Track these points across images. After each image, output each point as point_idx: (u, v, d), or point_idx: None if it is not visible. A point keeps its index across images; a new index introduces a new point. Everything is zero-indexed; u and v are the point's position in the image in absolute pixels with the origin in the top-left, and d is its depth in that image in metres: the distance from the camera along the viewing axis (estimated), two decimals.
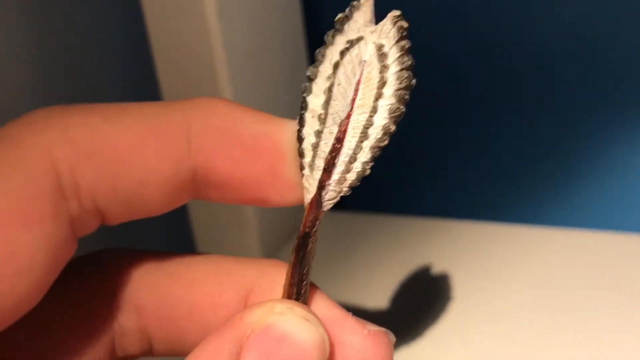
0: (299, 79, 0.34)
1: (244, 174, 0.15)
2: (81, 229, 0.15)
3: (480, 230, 0.35)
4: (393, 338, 0.16)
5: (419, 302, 0.31)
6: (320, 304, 0.16)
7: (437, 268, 0.32)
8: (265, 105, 0.32)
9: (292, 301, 0.15)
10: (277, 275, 0.16)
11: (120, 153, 0.14)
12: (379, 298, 0.31)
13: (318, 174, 0.15)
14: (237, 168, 0.15)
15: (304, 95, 0.15)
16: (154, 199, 0.15)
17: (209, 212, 0.34)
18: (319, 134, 0.15)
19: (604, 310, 0.28)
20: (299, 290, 0.16)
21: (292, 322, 0.14)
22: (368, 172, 0.15)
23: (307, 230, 0.15)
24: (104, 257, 0.17)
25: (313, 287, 0.16)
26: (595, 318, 0.28)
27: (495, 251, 0.33)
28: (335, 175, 0.15)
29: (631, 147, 0.33)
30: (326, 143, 0.15)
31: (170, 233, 0.37)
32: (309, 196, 0.15)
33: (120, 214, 0.15)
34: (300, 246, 0.16)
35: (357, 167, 0.15)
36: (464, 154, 0.37)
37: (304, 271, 0.16)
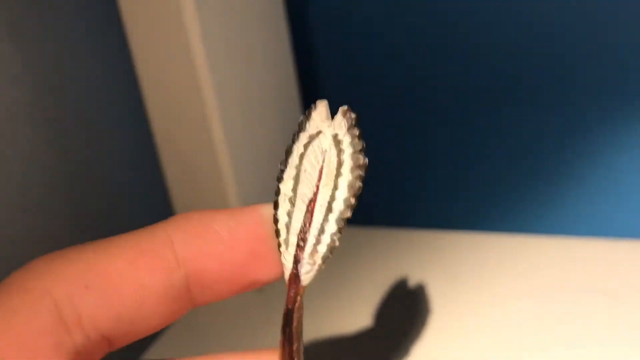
0: (291, 123, 0.34)
1: (230, 265, 0.17)
2: (89, 358, 0.16)
3: (471, 240, 0.34)
4: None
5: (407, 315, 0.30)
6: None
7: (426, 279, 0.32)
8: (256, 145, 0.32)
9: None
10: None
11: (114, 278, 0.16)
12: (367, 311, 0.31)
13: (292, 249, 0.17)
14: (223, 262, 0.17)
15: (278, 183, 0.18)
16: (155, 314, 0.16)
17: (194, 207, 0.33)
18: (290, 214, 0.17)
19: (599, 318, 0.28)
20: None
21: None
22: (337, 243, 0.17)
23: (289, 306, 0.17)
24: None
25: None
26: (591, 325, 0.28)
27: (487, 261, 0.33)
28: (308, 248, 0.17)
29: (622, 153, 0.32)
30: (297, 221, 0.17)
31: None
32: (287, 273, 0.17)
33: (125, 335, 0.17)
34: (286, 324, 0.17)
35: (325, 239, 0.17)
36: (453, 165, 0.36)
37: (294, 348, 0.17)
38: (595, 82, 0.32)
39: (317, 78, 0.38)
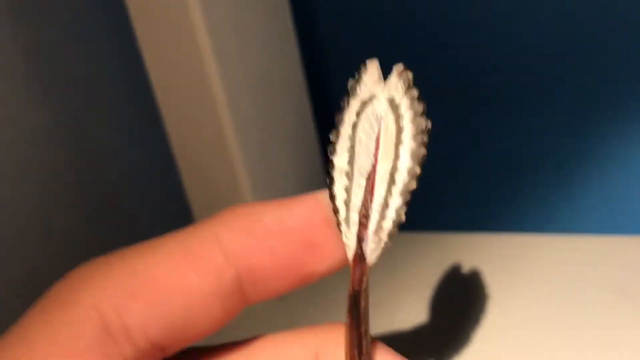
0: (303, 131, 0.33)
1: (283, 258, 0.16)
2: None
3: (483, 241, 0.33)
4: None
5: (436, 317, 0.30)
6: (386, 358, 0.15)
7: (444, 282, 0.31)
8: (266, 138, 0.32)
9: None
10: (338, 339, 0.16)
11: (161, 284, 0.15)
12: (389, 318, 0.30)
13: (355, 228, 0.15)
14: (276, 256, 0.16)
15: (330, 157, 0.16)
16: (207, 318, 0.15)
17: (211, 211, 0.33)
18: (348, 189, 0.16)
19: (613, 316, 0.27)
20: (360, 351, 0.15)
21: None
22: (403, 218, 0.15)
23: (356, 288, 0.16)
24: None
25: (375, 342, 0.16)
26: (605, 323, 0.27)
27: (501, 261, 0.32)
28: (372, 225, 0.15)
29: (632, 149, 0.32)
30: (357, 197, 0.16)
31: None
32: (350, 252, 0.16)
33: (177, 341, 0.15)
34: (352, 306, 0.16)
35: (391, 214, 0.15)
36: (464, 165, 0.36)
37: (362, 331, 0.15)
38: (611, 76, 0.31)
39: (325, 73, 0.36)
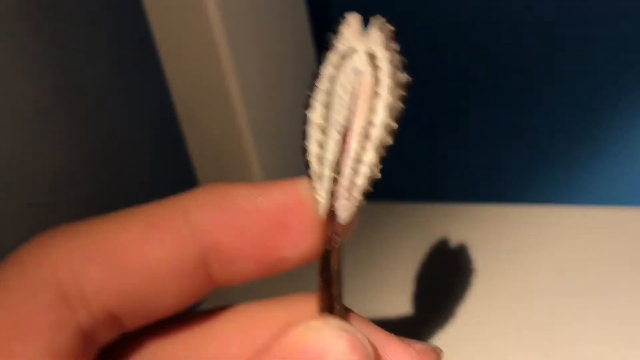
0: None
1: (251, 237, 0.15)
2: (98, 338, 0.15)
3: (492, 212, 0.33)
4: (441, 352, 0.14)
5: (437, 289, 0.29)
6: (360, 328, 0.15)
7: (451, 253, 0.31)
8: (276, 115, 0.32)
9: (325, 316, 0.14)
10: (307, 307, 0.15)
11: (120, 252, 0.14)
12: (396, 287, 0.29)
13: (327, 184, 0.15)
14: (244, 234, 0.15)
15: (305, 111, 0.15)
16: (168, 292, 0.15)
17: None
18: (322, 144, 0.15)
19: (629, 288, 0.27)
20: (331, 312, 0.15)
21: (330, 336, 0.14)
22: (378, 175, 0.15)
23: (327, 247, 0.15)
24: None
25: (350, 312, 0.15)
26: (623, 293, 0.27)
27: (511, 233, 0.31)
28: (344, 181, 0.15)
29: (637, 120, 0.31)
30: (330, 152, 0.15)
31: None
32: (322, 210, 0.15)
33: (136, 314, 0.15)
34: (323, 267, 0.15)
35: (364, 170, 0.15)
36: (480, 137, 0.35)
37: (334, 293, 0.15)
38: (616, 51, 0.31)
39: None
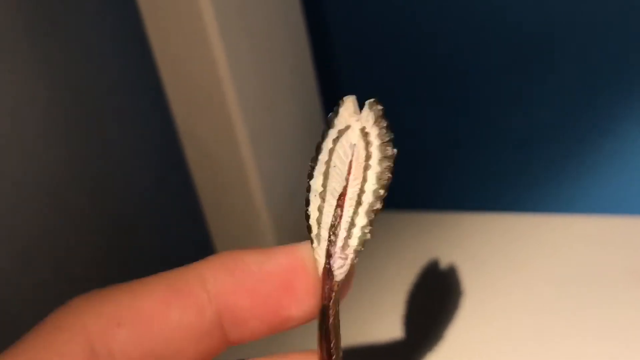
0: (310, 113, 0.34)
1: (261, 299, 0.17)
2: None
3: (491, 221, 0.33)
4: None
5: (432, 298, 0.30)
6: None
7: (447, 262, 0.31)
8: (276, 136, 0.32)
9: None
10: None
11: (145, 316, 0.17)
12: (392, 296, 0.30)
13: (324, 244, 0.17)
14: (254, 296, 0.17)
15: (308, 180, 0.18)
16: (187, 351, 0.17)
17: (225, 218, 0.33)
18: (321, 209, 0.17)
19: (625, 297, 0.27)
20: None
21: None
22: (368, 236, 0.17)
23: (324, 302, 0.17)
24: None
25: None
26: (618, 305, 0.27)
27: (508, 242, 0.32)
28: (339, 242, 0.17)
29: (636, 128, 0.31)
30: (327, 216, 0.17)
31: (188, 240, 0.37)
32: (320, 268, 0.17)
33: None
34: (322, 320, 0.17)
35: (357, 232, 0.17)
36: (467, 146, 0.36)
37: (332, 345, 0.17)
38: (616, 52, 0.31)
39: (335, 69, 0.37)
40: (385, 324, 0.29)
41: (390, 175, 0.17)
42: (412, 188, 0.38)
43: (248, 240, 0.34)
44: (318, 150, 0.18)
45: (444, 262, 0.32)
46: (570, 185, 0.34)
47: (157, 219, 0.36)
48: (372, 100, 0.17)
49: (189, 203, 0.36)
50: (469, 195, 0.37)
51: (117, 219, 0.33)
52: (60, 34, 0.31)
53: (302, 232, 0.37)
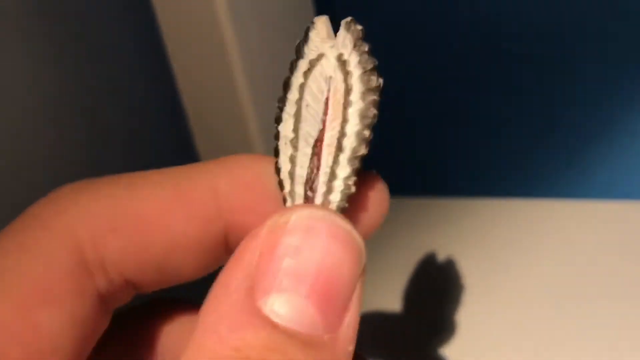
0: None
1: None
2: (113, 302, 0.15)
3: (503, 206, 0.32)
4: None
5: (436, 285, 0.29)
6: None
7: (451, 249, 0.30)
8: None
9: (298, 205, 0.13)
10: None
11: (145, 222, 0.14)
12: (398, 281, 0.29)
13: (300, 202, 0.14)
14: (264, 219, 0.14)
15: (276, 125, 0.14)
16: (186, 264, 0.15)
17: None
18: (293, 159, 0.14)
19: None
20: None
21: (302, 229, 0.12)
22: (353, 189, 0.13)
23: None
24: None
25: None
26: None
27: (520, 226, 0.31)
28: (318, 199, 0.14)
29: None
30: (302, 167, 0.14)
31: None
32: None
33: (152, 282, 0.15)
34: None
35: (338, 185, 0.13)
36: (482, 131, 0.34)
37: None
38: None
39: None
40: (388, 311, 0.28)
41: (376, 111, 0.13)
42: (415, 173, 0.37)
43: None
44: (286, 87, 0.14)
45: (447, 249, 0.30)
46: (579, 169, 0.33)
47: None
48: (348, 19, 0.14)
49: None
50: (472, 180, 0.36)
51: None
52: (72, 30, 0.29)
53: None
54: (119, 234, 0.14)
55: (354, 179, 0.13)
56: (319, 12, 0.34)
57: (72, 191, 0.14)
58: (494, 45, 0.33)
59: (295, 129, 0.14)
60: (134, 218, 0.14)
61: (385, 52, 0.35)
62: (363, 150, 0.13)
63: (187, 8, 0.28)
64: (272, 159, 0.14)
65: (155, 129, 0.34)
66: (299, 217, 0.12)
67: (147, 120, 0.34)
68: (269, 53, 0.30)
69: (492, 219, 0.32)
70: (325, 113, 0.14)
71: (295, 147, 0.14)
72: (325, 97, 0.14)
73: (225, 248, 0.15)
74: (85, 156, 0.30)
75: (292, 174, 0.14)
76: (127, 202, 0.14)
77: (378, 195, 0.14)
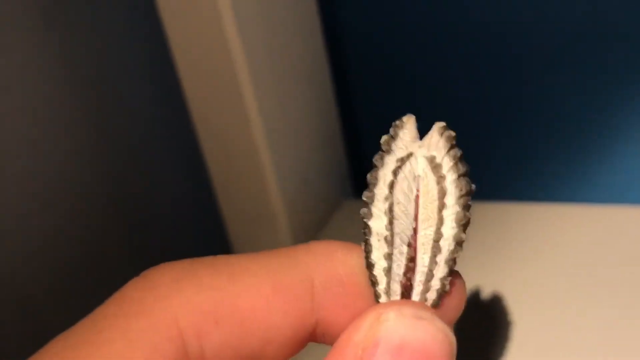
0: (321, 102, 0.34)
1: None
2: None
3: (498, 210, 0.33)
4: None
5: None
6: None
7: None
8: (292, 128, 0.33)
9: (397, 301, 0.14)
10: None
11: (245, 316, 0.14)
12: None
13: (396, 299, 0.14)
14: (355, 317, 0.14)
15: (365, 220, 0.15)
16: (276, 354, 0.15)
17: (240, 208, 0.34)
18: (389, 256, 0.14)
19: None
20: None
21: (405, 327, 0.13)
22: (447, 287, 0.14)
23: None
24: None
25: None
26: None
27: (514, 231, 0.31)
28: (415, 297, 0.14)
29: None
30: (398, 265, 0.14)
31: (202, 232, 0.38)
32: None
33: None
34: None
35: (435, 284, 0.14)
36: (473, 135, 0.36)
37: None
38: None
39: (347, 58, 0.36)
40: None
41: (470, 216, 0.14)
42: None
43: (262, 225, 0.34)
44: (373, 181, 0.15)
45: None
46: (581, 173, 0.34)
47: (173, 212, 0.35)
48: (442, 124, 0.14)
49: (205, 197, 0.36)
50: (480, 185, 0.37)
51: (133, 213, 0.33)
52: (79, 31, 0.29)
53: (314, 220, 0.35)
54: (221, 326, 0.14)
55: (449, 279, 0.14)
56: (322, 15, 0.34)
57: (172, 277, 0.14)
58: (497, 49, 0.33)
59: (389, 227, 0.14)
60: (235, 311, 0.14)
61: (385, 52, 0.35)
62: (459, 252, 0.14)
63: (192, 8, 0.29)
64: (360, 250, 0.15)
65: (160, 132, 0.34)
66: (402, 314, 0.13)
67: (153, 124, 0.34)
68: (272, 55, 0.31)
69: (493, 222, 0.32)
70: (416, 211, 0.14)
71: (390, 244, 0.14)
72: (415, 195, 0.14)
73: (310, 339, 0.15)
74: (89, 158, 0.30)
75: (387, 271, 0.14)
76: (229, 295, 0.14)
77: (459, 290, 0.15)
